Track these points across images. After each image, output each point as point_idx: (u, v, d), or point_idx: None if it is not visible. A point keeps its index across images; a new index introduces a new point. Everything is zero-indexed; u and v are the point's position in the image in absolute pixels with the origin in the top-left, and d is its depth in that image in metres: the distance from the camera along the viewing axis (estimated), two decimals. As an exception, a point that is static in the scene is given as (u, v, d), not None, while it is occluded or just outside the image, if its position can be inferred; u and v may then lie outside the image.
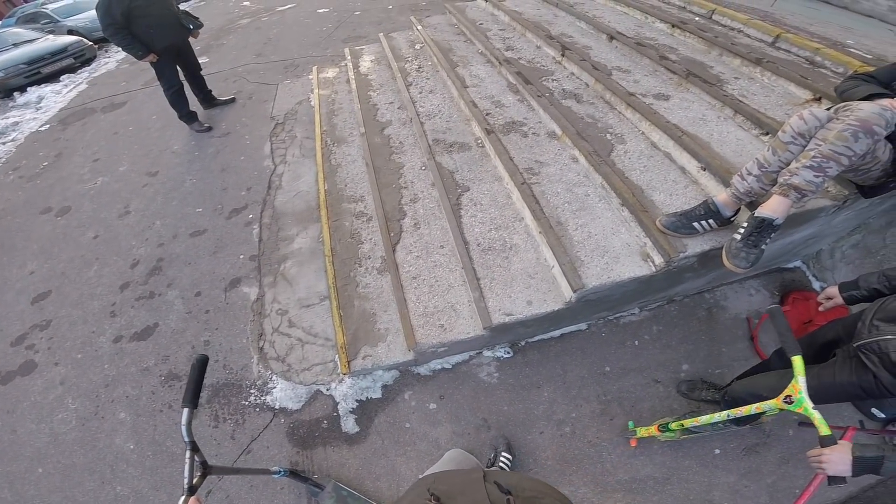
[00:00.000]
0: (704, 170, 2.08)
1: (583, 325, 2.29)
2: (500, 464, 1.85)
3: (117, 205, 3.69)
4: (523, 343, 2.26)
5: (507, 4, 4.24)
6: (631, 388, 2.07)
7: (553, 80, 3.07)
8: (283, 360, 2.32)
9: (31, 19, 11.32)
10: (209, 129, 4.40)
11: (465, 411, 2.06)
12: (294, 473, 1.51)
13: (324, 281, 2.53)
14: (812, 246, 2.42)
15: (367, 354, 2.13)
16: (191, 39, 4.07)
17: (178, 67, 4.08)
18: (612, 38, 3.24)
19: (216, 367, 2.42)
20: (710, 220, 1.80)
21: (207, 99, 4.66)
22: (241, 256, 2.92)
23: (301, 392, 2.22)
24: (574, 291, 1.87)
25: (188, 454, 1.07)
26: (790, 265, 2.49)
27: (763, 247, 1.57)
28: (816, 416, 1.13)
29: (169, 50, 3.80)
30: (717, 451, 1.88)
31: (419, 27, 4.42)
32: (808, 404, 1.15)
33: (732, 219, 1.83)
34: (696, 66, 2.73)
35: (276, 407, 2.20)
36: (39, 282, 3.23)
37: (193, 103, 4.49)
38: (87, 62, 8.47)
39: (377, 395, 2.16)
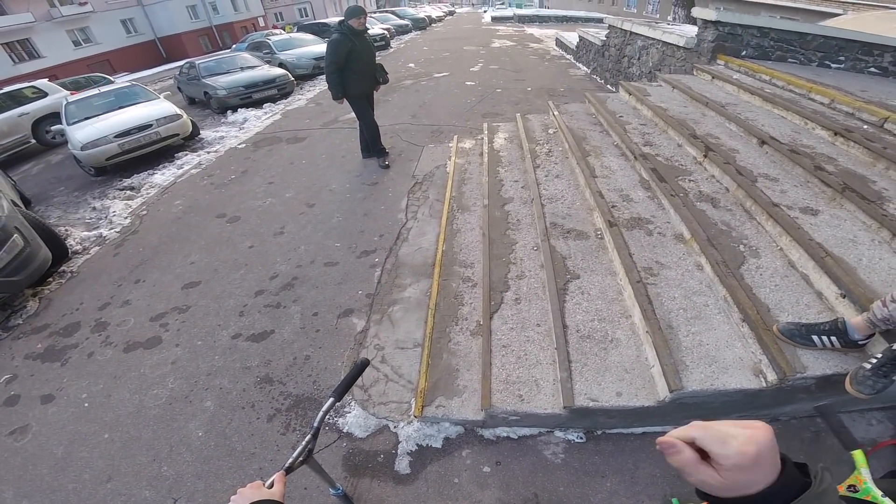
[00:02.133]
0: (844, 297, 1.91)
1: (669, 427, 2.11)
2: None
3: (275, 224, 4.47)
4: (599, 432, 2.19)
5: (651, 100, 4.40)
6: None
7: (690, 180, 3.07)
8: (366, 390, 2.54)
9: (256, 47, 13.55)
10: (388, 166, 5.34)
11: (518, 483, 2.03)
12: (346, 497, 1.54)
13: (422, 330, 2.78)
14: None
15: (441, 405, 2.25)
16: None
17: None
18: (763, 142, 3.15)
19: (307, 380, 2.69)
20: (833, 338, 1.72)
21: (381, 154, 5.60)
22: (360, 292, 3.33)
23: (371, 423, 2.37)
24: (671, 392, 1.83)
25: (307, 438, 1.13)
26: None
27: (894, 378, 1.48)
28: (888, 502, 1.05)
29: (360, 97, 4.80)
30: None
31: (556, 112, 4.78)
32: (877, 492, 1.09)
33: (861, 343, 1.71)
34: (855, 179, 2.54)
35: (344, 431, 2.37)
36: (195, 272, 3.92)
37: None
38: (286, 95, 10.12)
39: (437, 444, 2.23)
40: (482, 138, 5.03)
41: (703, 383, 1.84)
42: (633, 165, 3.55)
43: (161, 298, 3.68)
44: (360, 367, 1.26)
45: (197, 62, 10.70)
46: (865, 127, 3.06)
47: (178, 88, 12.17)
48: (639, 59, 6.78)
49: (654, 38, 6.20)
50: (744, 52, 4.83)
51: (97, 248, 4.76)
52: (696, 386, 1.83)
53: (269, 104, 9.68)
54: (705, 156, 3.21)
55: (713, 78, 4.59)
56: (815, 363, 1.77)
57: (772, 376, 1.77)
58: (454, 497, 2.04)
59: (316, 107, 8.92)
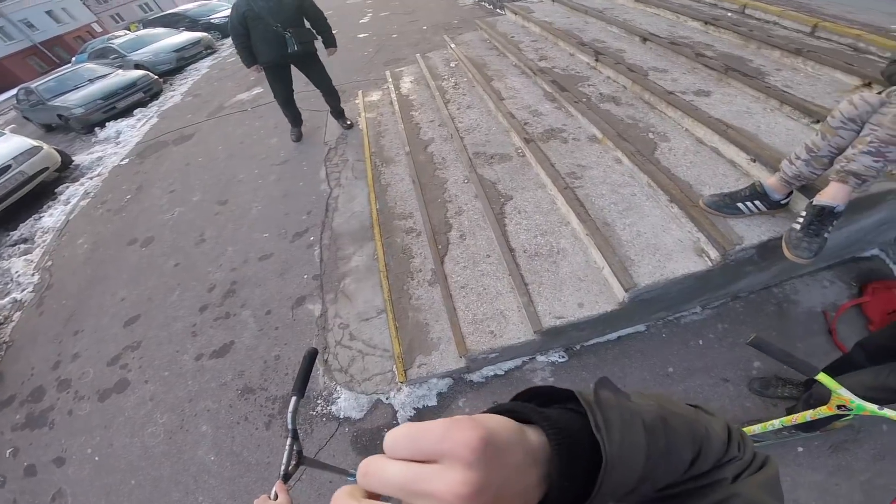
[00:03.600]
0: (755, 161, 2.01)
1: (641, 327, 2.24)
2: None
3: (193, 233, 4.05)
4: (578, 347, 2.26)
5: (536, 16, 4.31)
6: (698, 389, 1.96)
7: (589, 85, 3.08)
8: (346, 371, 2.46)
9: (100, 54, 11.79)
10: (300, 136, 4.82)
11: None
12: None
13: (380, 295, 2.68)
14: (887, 232, 2.25)
15: (422, 363, 2.22)
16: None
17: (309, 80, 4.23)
18: (645, 39, 3.21)
19: (285, 379, 2.59)
20: (757, 202, 1.76)
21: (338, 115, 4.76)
22: (305, 276, 3.13)
23: (363, 401, 2.32)
24: (626, 291, 1.85)
25: (289, 441, 1.09)
26: (866, 254, 2.31)
27: (826, 235, 1.52)
28: (891, 414, 1.07)
29: (272, 65, 3.91)
30: (801, 450, 1.74)
31: (453, 45, 4.58)
32: (871, 406, 1.08)
33: (783, 202, 1.78)
34: (734, 60, 2.66)
35: (341, 416, 2.31)
36: (130, 307, 3.57)
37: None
38: (156, 96, 9.01)
39: (433, 402, 2.22)
40: (388, 87, 4.71)
41: (653, 276, 1.84)
42: (534, 81, 3.50)
43: (108, 342, 3.36)
44: (310, 357, 1.18)
45: (33, 85, 9.20)
46: (730, 15, 3.20)
47: (26, 118, 10.37)
48: (517, -24, 6.58)
49: None
50: None
51: (18, 313, 4.19)
52: (648, 280, 1.83)
53: (139, 110, 8.53)
54: (597, 60, 3.22)
55: None
56: (749, 231, 1.78)
57: (714, 253, 1.79)
58: None
59: (194, 99, 7.93)
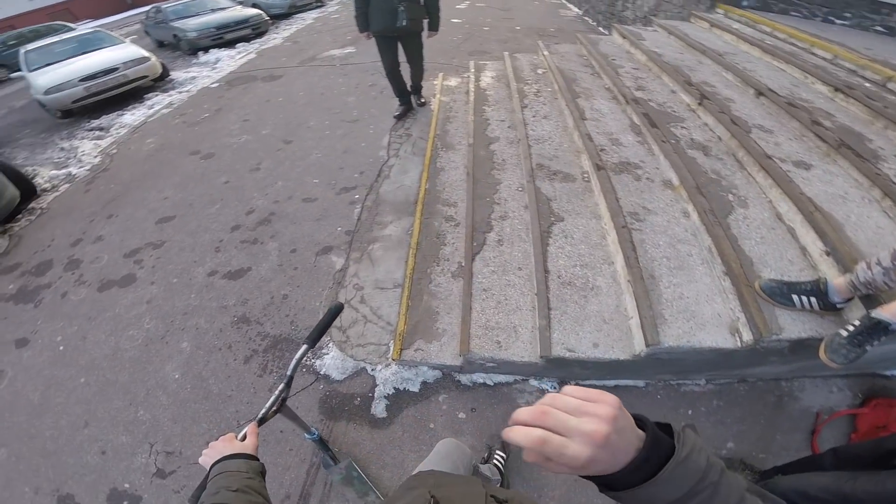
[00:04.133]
0: (829, 255, 1.81)
1: (640, 383, 2.12)
2: (495, 460, 1.83)
3: (252, 160, 4.16)
4: (573, 382, 2.14)
5: (646, 44, 4.09)
6: None
7: (682, 127, 2.88)
8: (345, 331, 2.42)
9: None
10: (402, 115, 4.48)
11: (492, 430, 2.00)
12: (322, 441, 1.50)
13: (402, 270, 2.63)
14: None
15: (420, 349, 2.15)
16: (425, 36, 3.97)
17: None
18: (760, 94, 2.95)
19: (284, 321, 2.56)
20: (813, 299, 1.63)
21: (416, 90, 4.54)
22: (339, 229, 3.12)
23: (349, 365, 2.28)
24: (647, 346, 1.74)
25: (281, 387, 1.07)
26: (888, 372, 2.10)
27: (868, 348, 1.39)
28: None
29: (380, 35, 3.76)
30: None
31: (545, 52, 4.43)
32: None
33: (839, 306, 1.62)
34: (851, 136, 2.39)
35: (321, 373, 2.28)
36: (169, 207, 3.69)
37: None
38: (261, 35, 9.52)
39: (415, 388, 2.17)
40: (468, 76, 4.62)
41: (680, 339, 1.74)
42: (623, 109, 3.32)
43: (135, 233, 3.45)
44: (335, 312, 1.14)
45: (164, 6, 10.10)
46: (867, 85, 2.86)
47: (146, 33, 11.52)
48: (633, 2, 6.34)
49: None
50: (745, 3, 4.48)
51: (67, 185, 4.49)
52: (673, 342, 1.74)
53: (242, 44, 9.07)
54: (700, 103, 3.00)
55: (711, 26, 4.26)
56: (792, 325, 1.68)
57: (747, 336, 1.68)
58: (428, 442, 1.98)
59: (293, 45, 8.19)
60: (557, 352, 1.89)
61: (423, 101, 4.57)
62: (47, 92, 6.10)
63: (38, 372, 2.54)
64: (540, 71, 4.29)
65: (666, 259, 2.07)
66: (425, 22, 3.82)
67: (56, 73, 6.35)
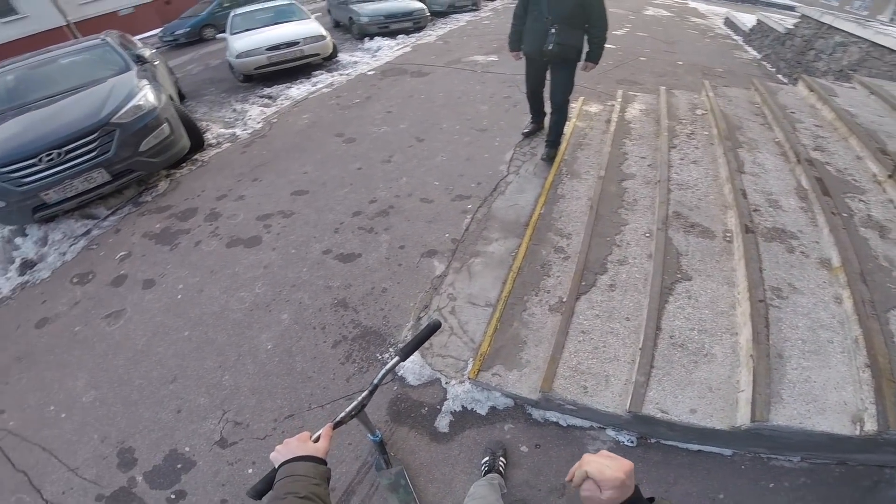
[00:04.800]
0: None
1: (727, 451, 1.88)
2: (500, 466, 1.84)
3: (385, 152, 4.49)
4: (653, 440, 1.95)
5: (838, 101, 3.51)
6: None
7: (860, 200, 2.48)
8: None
9: None
10: (530, 133, 4.33)
11: (551, 470, 1.89)
12: (381, 444, 1.50)
13: (497, 290, 2.62)
14: None
15: (498, 374, 2.12)
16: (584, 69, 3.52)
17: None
18: None
19: (378, 314, 2.66)
20: None
21: (548, 143, 3.87)
22: (447, 235, 3.21)
23: (425, 373, 2.31)
24: (753, 421, 1.61)
25: (364, 395, 1.08)
26: None
27: None
28: None
29: (529, 56, 3.53)
30: None
31: (710, 93, 4.04)
32: None
33: None
34: None
35: (398, 374, 2.32)
36: (306, 182, 4.08)
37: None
38: (419, 29, 9.97)
39: (482, 412, 2.13)
40: (613, 105, 4.43)
41: (792, 420, 1.62)
42: (792, 169, 2.89)
43: (271, 199, 3.88)
44: (432, 328, 1.15)
45: None
46: None
47: (328, 11, 12.57)
48: (830, 54, 5.51)
49: (858, 36, 5.05)
50: None
51: (229, 144, 5.18)
52: (783, 421, 1.61)
53: (402, 36, 9.64)
54: (890, 175, 2.55)
55: None
56: None
57: (871, 426, 1.54)
58: (482, 469, 1.93)
59: (443, 44, 8.64)
60: (649, 410, 1.78)
61: (551, 154, 3.82)
62: (239, 56, 6.79)
63: (152, 317, 2.85)
64: (699, 112, 3.93)
65: (801, 342, 1.85)
66: (584, 51, 3.39)
67: (249, 40, 6.99)
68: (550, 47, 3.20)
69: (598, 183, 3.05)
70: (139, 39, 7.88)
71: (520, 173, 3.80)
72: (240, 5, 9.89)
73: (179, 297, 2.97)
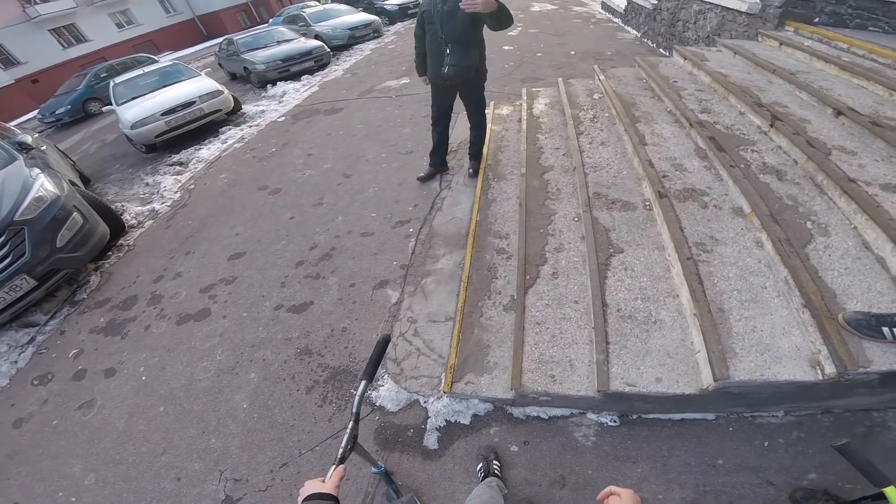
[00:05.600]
0: None
1: (710, 416, 2.00)
2: (494, 469, 1.89)
3: (314, 195, 4.47)
4: (635, 416, 2.06)
5: (710, 65, 3.95)
6: (737, 485, 1.77)
7: (753, 151, 2.74)
8: (399, 363, 2.50)
9: (292, 20, 13.27)
10: (430, 176, 4.14)
11: (545, 463, 1.96)
12: (387, 474, 1.54)
13: (454, 303, 2.69)
14: None
15: (471, 382, 2.18)
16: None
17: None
18: (839, 113, 2.74)
19: (343, 352, 2.70)
20: None
21: (471, 155, 3.86)
22: (394, 263, 3.27)
23: (402, 397, 2.35)
24: (715, 381, 1.69)
25: (350, 425, 1.11)
26: None
27: None
28: None
29: (433, 81, 3.38)
30: None
31: (601, 77, 4.41)
32: None
33: None
34: None
35: (377, 404, 2.36)
36: (240, 243, 4.00)
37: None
38: (323, 67, 10.01)
39: (466, 421, 2.19)
40: (520, 104, 4.72)
41: (753, 373, 1.68)
42: (688, 133, 3.21)
43: (209, 270, 3.78)
44: (383, 344, 1.23)
45: (235, 38, 10.74)
46: None
47: (219, 65, 12.31)
48: (695, 23, 6.16)
49: (711, 3, 5.63)
50: (816, 20, 4.20)
51: (150, 221, 4.95)
52: (745, 376, 1.68)
53: (306, 76, 9.64)
54: (771, 125, 2.85)
55: (781, 45, 4.03)
56: (882, 357, 1.57)
57: (830, 369, 1.59)
58: (479, 474, 1.98)
59: (352, 77, 8.77)
60: (616, 386, 1.86)
61: (476, 166, 3.85)
62: (133, 126, 6.46)
63: (124, 400, 2.81)
64: (596, 96, 4.28)
65: (737, 292, 1.98)
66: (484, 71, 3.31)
67: (140, 108, 6.66)
68: (446, 70, 3.06)
69: (522, 180, 3.23)
70: (15, 126, 7.20)
71: (452, 187, 3.93)
72: (117, 73, 9.36)
73: (144, 378, 2.92)
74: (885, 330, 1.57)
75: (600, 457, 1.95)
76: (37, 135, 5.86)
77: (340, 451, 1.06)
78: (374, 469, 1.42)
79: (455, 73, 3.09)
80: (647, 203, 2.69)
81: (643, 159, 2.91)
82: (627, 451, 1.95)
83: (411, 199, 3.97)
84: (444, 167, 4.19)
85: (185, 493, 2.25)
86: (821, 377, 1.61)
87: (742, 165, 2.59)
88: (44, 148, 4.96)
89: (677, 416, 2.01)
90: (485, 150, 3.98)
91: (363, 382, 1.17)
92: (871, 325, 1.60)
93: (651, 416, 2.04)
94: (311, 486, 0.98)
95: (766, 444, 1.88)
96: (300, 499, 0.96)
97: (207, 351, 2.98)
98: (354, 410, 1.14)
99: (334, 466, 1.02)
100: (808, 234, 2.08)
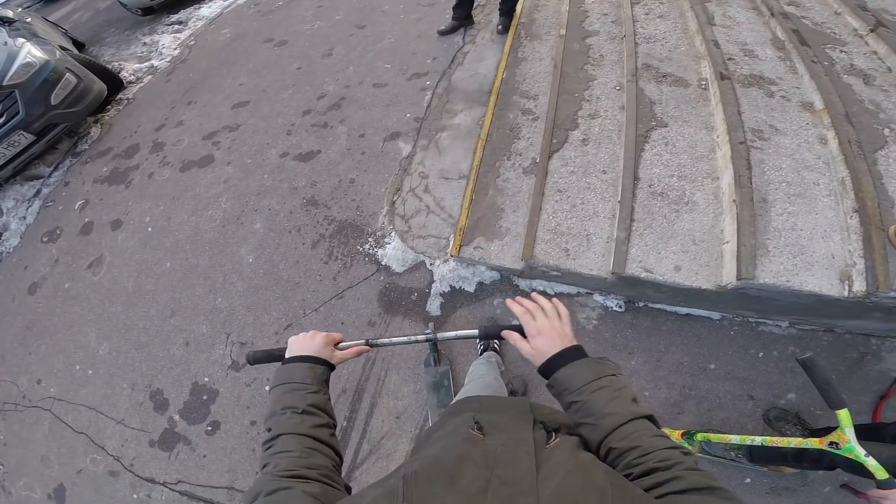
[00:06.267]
0: None
1: (716, 315, 1.87)
2: (493, 344, 1.84)
3: (324, 46, 3.93)
4: (641, 304, 1.92)
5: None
6: (720, 394, 1.74)
7: (842, 51, 2.30)
8: (407, 220, 2.31)
9: None
10: (452, 29, 3.53)
11: None
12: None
13: (469, 160, 2.40)
14: None
15: (480, 246, 2.00)
16: None
17: None
18: None
19: (350, 205, 2.50)
20: None
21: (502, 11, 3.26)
22: (408, 115, 2.92)
23: (409, 257, 2.20)
24: (738, 279, 1.50)
25: (421, 339, 0.93)
26: None
27: None
28: (871, 463, 1.00)
29: None
30: (748, 481, 1.61)
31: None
32: (860, 451, 1.03)
33: None
34: None
35: (383, 263, 2.23)
36: (244, 93, 3.66)
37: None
38: None
39: (470, 288, 2.06)
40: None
41: (779, 277, 1.49)
42: (766, 22, 2.66)
43: (212, 118, 3.51)
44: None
45: None
46: None
47: None
48: None
49: None
50: None
51: (150, 77, 4.60)
52: (770, 279, 1.49)
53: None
54: (872, 30, 2.36)
55: None
56: None
57: (859, 286, 1.42)
58: (478, 348, 1.91)
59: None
60: (632, 270, 1.67)
61: (506, 23, 3.23)
62: None
63: (131, 256, 2.70)
64: (662, -35, 3.53)
65: (786, 184, 1.72)
66: None
67: None
68: None
69: (559, 42, 2.72)
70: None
71: (476, 42, 3.36)
72: None
73: (150, 229, 2.80)
74: None
75: (599, 342, 1.86)
76: (20, 9, 5.35)
77: (384, 339, 0.90)
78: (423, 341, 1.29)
79: None
80: (704, 82, 2.28)
81: (708, 38, 2.43)
82: (626, 340, 1.86)
83: (430, 51, 3.44)
84: (469, 21, 3.58)
85: (194, 359, 2.22)
86: (846, 294, 1.44)
87: (825, 63, 2.19)
88: (28, 20, 4.70)
89: (683, 311, 1.89)
90: (518, 7, 3.33)
91: (475, 331, 0.89)
92: None
93: (657, 305, 1.90)
94: (309, 345, 0.79)
95: (760, 354, 1.80)
96: (291, 350, 0.79)
97: (212, 199, 2.80)
98: (435, 336, 0.94)
99: (362, 342, 0.87)
100: (883, 140, 1.79)
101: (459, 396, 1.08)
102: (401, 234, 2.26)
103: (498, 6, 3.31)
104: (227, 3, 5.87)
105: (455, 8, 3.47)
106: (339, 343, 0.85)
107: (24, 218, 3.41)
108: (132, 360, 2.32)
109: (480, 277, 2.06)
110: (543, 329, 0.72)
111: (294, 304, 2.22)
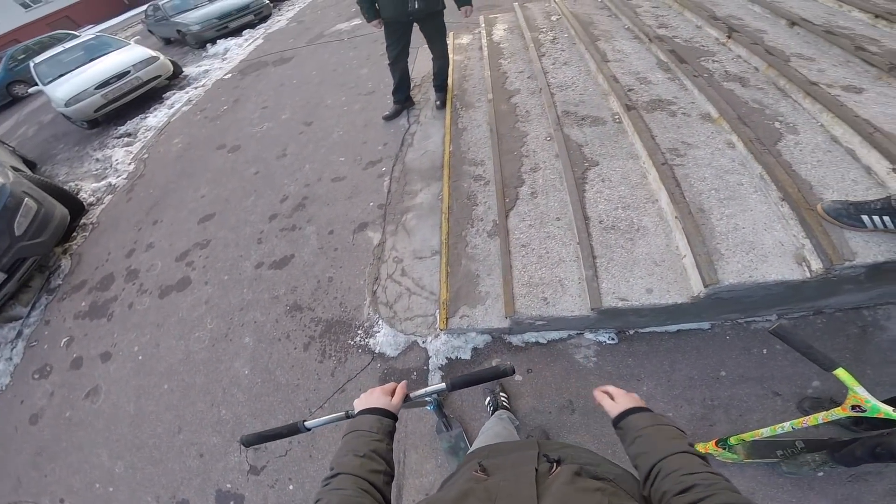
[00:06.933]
0: None
1: (705, 325, 1.91)
2: (503, 402, 1.81)
3: (277, 148, 4.03)
4: (632, 332, 1.97)
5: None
6: (744, 398, 1.68)
7: (714, 61, 2.58)
8: (391, 306, 2.33)
9: None
10: (396, 113, 3.75)
11: (551, 390, 1.86)
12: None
13: (437, 236, 2.51)
14: None
15: (465, 314, 2.05)
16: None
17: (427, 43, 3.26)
18: (793, 23, 2.60)
19: (333, 303, 2.49)
20: (886, 218, 1.43)
21: (437, 87, 3.58)
22: (371, 204, 3.00)
23: (400, 340, 2.20)
24: (705, 287, 1.58)
25: (441, 388, 1.01)
26: None
27: None
28: None
29: (391, 22, 3.02)
30: (820, 475, 1.49)
31: (557, -1, 4.03)
32: (888, 408, 0.95)
33: None
34: None
35: (377, 351, 2.20)
36: (207, 204, 3.63)
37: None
38: (264, 19, 9.01)
39: (466, 356, 2.06)
40: (479, 32, 4.29)
41: (741, 275, 1.57)
42: (648, 48, 2.99)
43: (181, 236, 3.44)
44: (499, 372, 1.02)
45: (161, 2, 9.47)
46: None
47: (150, 31, 10.96)
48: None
49: None
50: None
51: (109, 196, 4.47)
52: (734, 279, 1.57)
53: (248, 30, 8.59)
54: (729, 36, 2.68)
55: None
56: (866, 248, 1.48)
57: (816, 265, 1.50)
58: (489, 410, 1.89)
59: (298, 25, 7.81)
60: (609, 302, 1.75)
61: (443, 97, 3.56)
62: (68, 103, 5.79)
63: (127, 383, 2.61)
64: (554, 18, 3.92)
65: (714, 191, 1.88)
66: None
67: (71, 84, 5.97)
68: (417, 5, 2.81)
69: (489, 106, 2.97)
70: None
71: (420, 121, 3.59)
72: (36, 53, 7.97)
73: (140, 357, 2.71)
74: (865, 218, 1.47)
75: (604, 377, 1.83)
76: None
77: (424, 392, 1.01)
78: (428, 408, 1.34)
79: (426, 6, 2.87)
80: (617, 116, 2.52)
81: (607, 75, 2.70)
82: (630, 368, 1.85)
83: (379, 138, 3.61)
84: (409, 102, 3.82)
85: (211, 467, 2.14)
86: (808, 274, 1.52)
87: (705, 75, 2.45)
88: (-29, 141, 4.31)
89: (673, 328, 1.91)
90: (450, 81, 3.62)
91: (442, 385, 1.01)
92: (851, 214, 1.51)
93: (647, 329, 1.94)
94: (377, 398, 0.86)
95: (764, 351, 1.78)
96: (358, 406, 0.86)
97: (196, 321, 2.74)
98: (446, 386, 1.01)
99: (402, 383, 0.95)
100: (778, 133, 1.99)
101: (474, 447, 1.10)
102: (388, 321, 2.28)
103: (433, 83, 3.58)
104: (171, 110, 5.98)
105: (395, 93, 3.68)
106: (393, 391, 0.92)
107: (11, 359, 3.25)
108: (150, 475, 2.22)
109: (473, 343, 2.08)
110: (624, 396, 0.85)
111: (298, 405, 2.18)
